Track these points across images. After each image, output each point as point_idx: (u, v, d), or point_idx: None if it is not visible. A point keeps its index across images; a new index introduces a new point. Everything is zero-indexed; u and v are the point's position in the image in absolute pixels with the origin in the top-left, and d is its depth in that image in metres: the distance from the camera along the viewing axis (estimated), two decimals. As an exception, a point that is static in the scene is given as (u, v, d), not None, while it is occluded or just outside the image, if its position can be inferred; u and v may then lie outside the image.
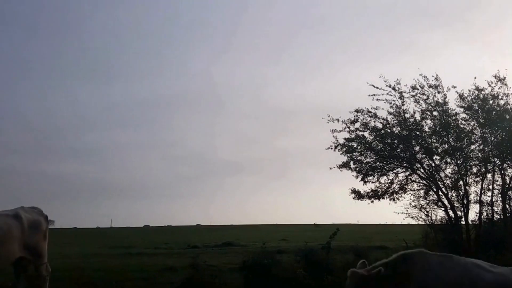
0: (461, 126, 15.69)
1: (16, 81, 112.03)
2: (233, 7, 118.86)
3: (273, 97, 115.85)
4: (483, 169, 15.64)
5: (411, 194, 16.49)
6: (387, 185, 16.44)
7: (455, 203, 15.68)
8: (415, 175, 16.38)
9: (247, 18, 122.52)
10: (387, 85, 15.82)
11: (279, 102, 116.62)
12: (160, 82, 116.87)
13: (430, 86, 15.75)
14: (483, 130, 15.67)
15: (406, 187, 16.49)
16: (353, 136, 16.23)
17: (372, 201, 16.50)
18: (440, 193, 15.84)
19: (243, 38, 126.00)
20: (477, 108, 15.58)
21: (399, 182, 16.48)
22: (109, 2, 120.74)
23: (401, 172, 16.54)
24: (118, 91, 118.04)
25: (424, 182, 16.29)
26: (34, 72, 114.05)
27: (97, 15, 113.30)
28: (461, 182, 15.61)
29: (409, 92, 15.87)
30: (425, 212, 16.31)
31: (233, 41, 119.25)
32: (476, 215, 15.52)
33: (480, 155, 15.79)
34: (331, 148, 16.41)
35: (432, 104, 15.79)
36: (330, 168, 16.73)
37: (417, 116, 15.97)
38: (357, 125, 16.15)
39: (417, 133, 15.98)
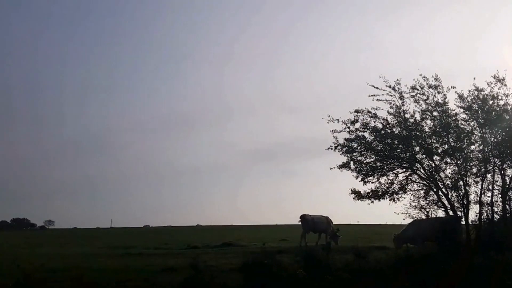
0: (461, 126, 15.72)
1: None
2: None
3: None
4: (483, 170, 15.65)
5: (411, 195, 16.54)
6: (387, 185, 16.47)
7: (455, 203, 15.71)
8: (415, 176, 16.41)
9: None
10: (387, 86, 15.87)
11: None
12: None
13: (430, 87, 15.78)
14: (483, 131, 15.69)
15: (406, 187, 16.52)
16: (353, 136, 16.27)
17: (372, 202, 16.54)
18: (440, 193, 15.86)
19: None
20: (476, 108, 15.60)
21: (399, 183, 16.52)
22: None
23: (401, 173, 16.58)
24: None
25: (424, 182, 16.30)
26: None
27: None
28: (461, 183, 15.62)
29: (409, 93, 15.94)
30: (425, 213, 16.34)
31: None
32: (476, 216, 15.57)
33: (480, 155, 15.81)
34: (331, 149, 16.48)
35: (432, 105, 15.81)
36: (330, 169, 16.82)
37: (417, 117, 16.03)
38: (357, 125, 16.23)
39: (417, 133, 15.99)
